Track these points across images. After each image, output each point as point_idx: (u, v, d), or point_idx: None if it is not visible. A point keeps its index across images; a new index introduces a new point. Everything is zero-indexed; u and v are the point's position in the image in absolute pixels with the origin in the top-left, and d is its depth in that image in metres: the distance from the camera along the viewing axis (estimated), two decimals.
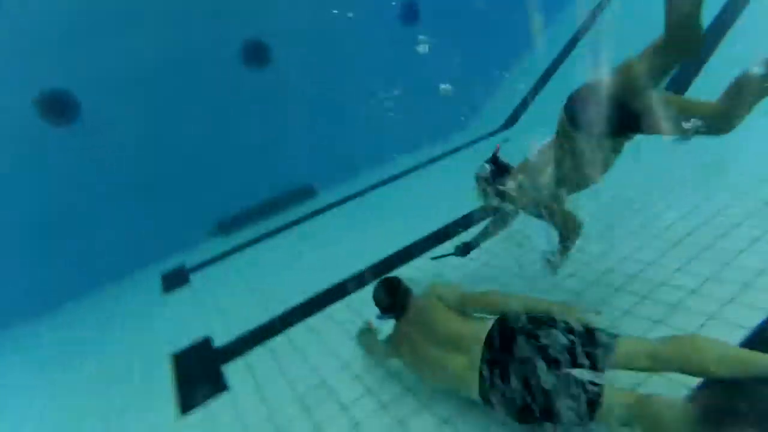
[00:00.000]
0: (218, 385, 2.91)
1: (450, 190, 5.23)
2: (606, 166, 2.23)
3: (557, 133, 2.24)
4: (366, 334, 2.58)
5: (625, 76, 1.92)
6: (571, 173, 2.27)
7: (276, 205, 6.97)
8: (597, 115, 2.03)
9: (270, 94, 6.86)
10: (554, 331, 1.65)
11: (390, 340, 2.29)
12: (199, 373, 3.15)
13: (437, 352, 1.92)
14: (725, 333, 1.97)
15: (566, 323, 1.68)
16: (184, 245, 6.54)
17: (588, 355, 1.58)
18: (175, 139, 6.39)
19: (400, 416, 2.17)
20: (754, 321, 2.00)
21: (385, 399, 2.31)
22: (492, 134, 7.61)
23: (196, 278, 5.20)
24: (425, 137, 8.19)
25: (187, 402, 2.84)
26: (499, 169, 2.58)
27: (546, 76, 7.94)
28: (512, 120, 7.85)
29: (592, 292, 2.60)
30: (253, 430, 2.41)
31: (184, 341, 3.69)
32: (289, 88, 6.96)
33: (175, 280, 5.33)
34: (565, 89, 2.10)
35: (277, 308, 3.73)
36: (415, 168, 7.02)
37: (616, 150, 2.17)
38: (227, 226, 6.69)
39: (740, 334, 1.95)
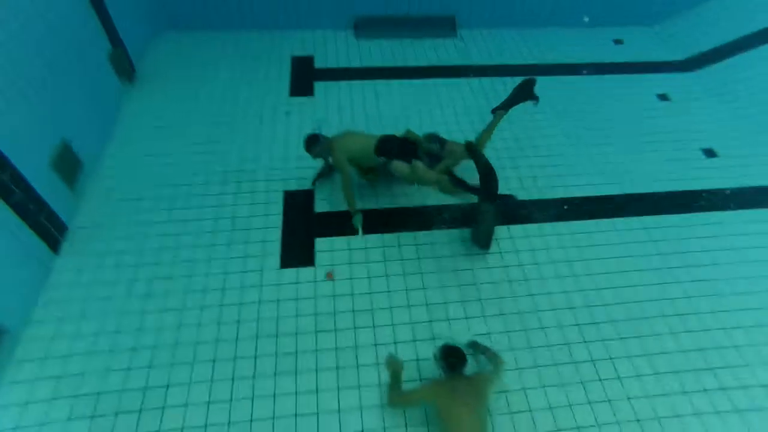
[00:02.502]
0: (308, 258, 3.96)
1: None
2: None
3: None
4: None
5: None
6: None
7: (415, 26, 6.64)
8: None
9: None
10: None
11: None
12: (299, 234, 4.15)
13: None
14: None
15: None
16: (321, 25, 6.61)
17: None
18: None
19: None
20: None
21: None
22: (653, 67, 6.43)
23: (320, 90, 5.66)
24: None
25: (285, 259, 3.95)
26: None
27: None
28: (693, 63, 6.50)
29: None
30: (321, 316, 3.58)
31: (293, 182, 4.57)
32: None
33: (302, 79, 5.78)
34: None
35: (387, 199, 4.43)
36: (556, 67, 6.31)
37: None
38: (362, 27, 6.58)
39: None
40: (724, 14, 6.85)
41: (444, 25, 6.76)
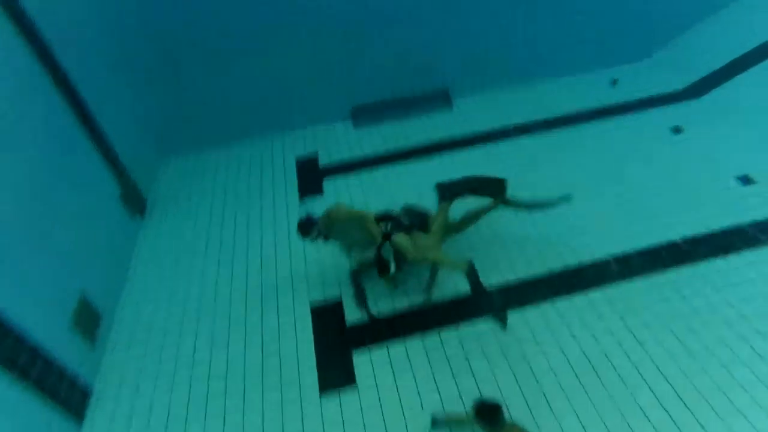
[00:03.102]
0: (348, 376, 3.65)
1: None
2: None
3: None
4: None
5: None
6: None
7: (410, 105, 6.69)
8: None
9: None
10: None
11: None
12: (334, 351, 3.86)
13: None
14: None
15: None
16: (318, 120, 6.69)
17: None
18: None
19: None
20: None
21: None
22: (657, 101, 6.27)
23: (329, 187, 5.59)
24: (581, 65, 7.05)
25: (324, 382, 3.64)
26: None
27: None
28: (696, 90, 6.32)
29: None
30: None
31: (318, 291, 4.35)
32: None
33: (309, 180, 5.76)
34: None
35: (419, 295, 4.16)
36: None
37: None
38: (360, 116, 6.65)
39: None
40: (708, 40, 6.86)
41: (439, 99, 6.81)
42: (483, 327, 3.86)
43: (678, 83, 6.53)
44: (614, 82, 6.69)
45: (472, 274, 3.65)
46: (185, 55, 5.76)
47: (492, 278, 4.17)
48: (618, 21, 6.75)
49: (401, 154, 5.98)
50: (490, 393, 3.39)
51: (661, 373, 3.37)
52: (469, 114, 6.57)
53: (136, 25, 5.44)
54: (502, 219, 4.67)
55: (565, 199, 4.31)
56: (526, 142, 5.92)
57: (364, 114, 6.68)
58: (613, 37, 6.89)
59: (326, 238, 4.00)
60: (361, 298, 4.04)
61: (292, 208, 5.35)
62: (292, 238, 4.91)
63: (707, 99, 6.18)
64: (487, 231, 4.60)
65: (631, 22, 6.83)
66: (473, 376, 3.55)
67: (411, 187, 5.40)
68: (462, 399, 3.40)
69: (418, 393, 3.49)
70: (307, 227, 3.96)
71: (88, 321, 3.82)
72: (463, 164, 5.66)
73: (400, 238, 3.77)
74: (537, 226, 4.64)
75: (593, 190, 5.01)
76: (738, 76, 6.16)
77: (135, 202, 5.26)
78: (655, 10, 6.74)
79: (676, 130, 5.74)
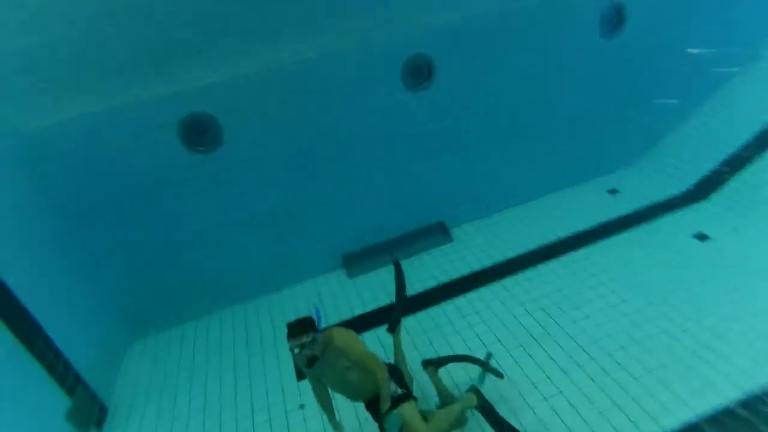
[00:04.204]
0: None
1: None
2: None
3: None
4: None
5: None
6: None
7: (404, 244, 6.11)
8: None
9: (423, 119, 5.68)
10: None
11: None
12: None
13: None
14: None
15: None
16: (308, 275, 6.01)
17: None
18: (312, 165, 5.51)
19: None
20: None
21: None
22: (663, 208, 5.97)
23: None
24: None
25: None
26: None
27: None
28: (701, 191, 6.05)
29: None
30: None
31: None
32: (452, 110, 5.76)
33: None
34: None
35: None
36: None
37: None
38: (353, 263, 6.00)
39: None
40: (699, 138, 6.74)
41: (435, 233, 6.29)
42: None
43: (675, 187, 6.24)
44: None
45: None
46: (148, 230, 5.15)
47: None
48: (599, 132, 6.67)
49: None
50: None
51: None
52: (471, 247, 6.02)
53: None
54: None
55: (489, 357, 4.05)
56: (542, 270, 5.30)
57: (358, 260, 6.03)
58: (597, 147, 6.79)
59: (313, 361, 2.89)
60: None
61: (289, 393, 4.37)
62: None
63: (715, 200, 5.83)
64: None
65: (611, 133, 6.76)
66: None
67: (423, 343, 4.61)
68: None
69: None
70: (306, 328, 2.84)
71: None
72: (480, 306, 4.96)
73: (410, 410, 3.01)
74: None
75: (641, 331, 4.27)
76: (737, 176, 5.88)
77: (89, 413, 4.20)
78: (631, 121, 6.73)
79: (701, 237, 5.26)
